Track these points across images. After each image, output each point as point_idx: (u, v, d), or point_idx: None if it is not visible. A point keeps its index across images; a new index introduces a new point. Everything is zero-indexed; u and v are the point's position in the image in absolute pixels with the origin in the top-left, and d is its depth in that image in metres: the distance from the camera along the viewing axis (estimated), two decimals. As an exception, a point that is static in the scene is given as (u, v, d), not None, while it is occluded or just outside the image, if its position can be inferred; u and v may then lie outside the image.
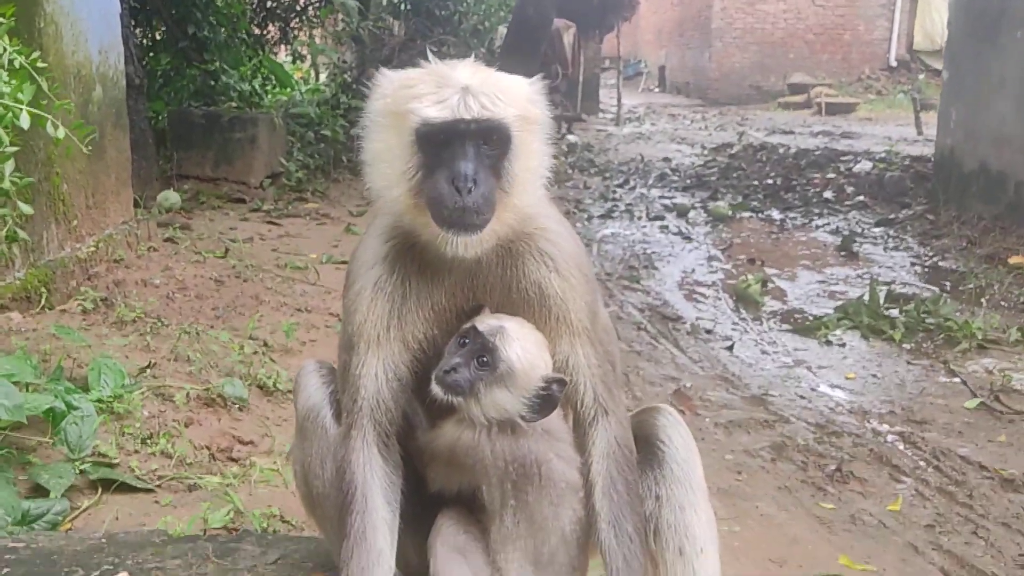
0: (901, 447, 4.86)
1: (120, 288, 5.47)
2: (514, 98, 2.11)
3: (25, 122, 3.54)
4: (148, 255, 6.15)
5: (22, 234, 3.85)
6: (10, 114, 3.62)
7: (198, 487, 3.51)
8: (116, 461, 3.52)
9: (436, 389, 2.14)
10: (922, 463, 4.67)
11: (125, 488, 3.39)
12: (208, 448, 3.85)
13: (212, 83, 11.10)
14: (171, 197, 8.54)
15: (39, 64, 3.81)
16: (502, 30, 15.69)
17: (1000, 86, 9.40)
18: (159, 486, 3.48)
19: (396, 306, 2.23)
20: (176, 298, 5.61)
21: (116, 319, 4.96)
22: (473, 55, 2.48)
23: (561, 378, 2.19)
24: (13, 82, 3.72)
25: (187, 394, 4.14)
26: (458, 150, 2.04)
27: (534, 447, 2.21)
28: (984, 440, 4.94)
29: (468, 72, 2.10)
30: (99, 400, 3.77)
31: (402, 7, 15.10)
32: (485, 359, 2.13)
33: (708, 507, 2.45)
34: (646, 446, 2.44)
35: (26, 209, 3.78)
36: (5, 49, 3.76)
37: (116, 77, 6.21)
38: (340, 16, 14.97)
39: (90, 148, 5.66)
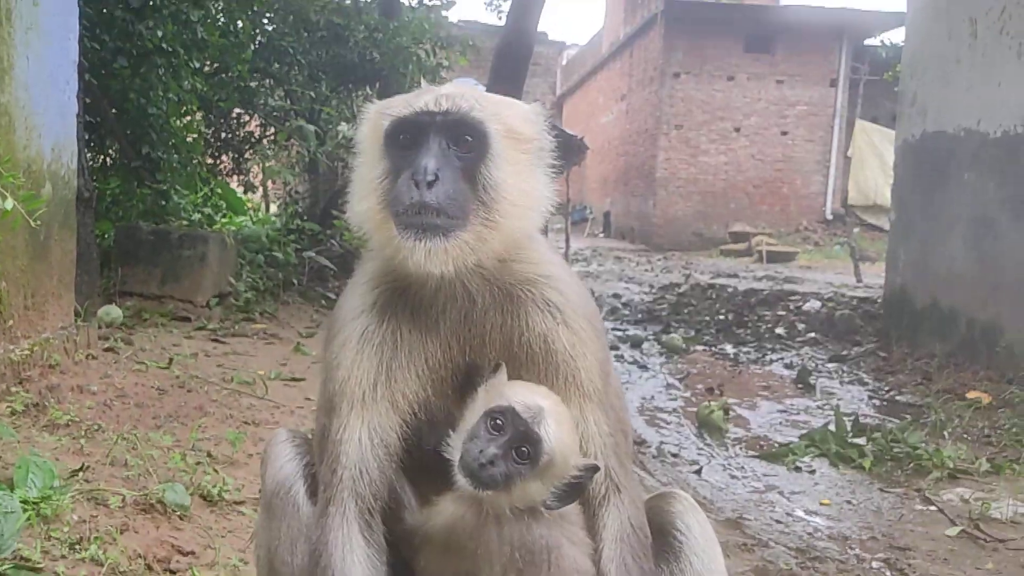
0: (888, 574, 4.60)
1: (54, 393, 5.07)
2: (499, 108, 1.95)
3: (-29, 191, 3.30)
4: (87, 362, 5.78)
5: (-44, 316, 3.53)
6: (-46, 186, 3.38)
7: (133, 597, 3.10)
8: (41, 565, 3.11)
9: (464, 481, 1.87)
10: (912, 590, 4.41)
11: (50, 596, 2.98)
12: (143, 557, 3.44)
13: (163, 203, 10.89)
14: (112, 312, 8.15)
15: (-7, 139, 3.61)
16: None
17: (950, 226, 9.62)
18: (90, 595, 3.07)
19: (385, 360, 1.98)
20: (114, 405, 5.21)
21: (48, 422, 4.56)
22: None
23: (595, 465, 1.94)
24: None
25: (123, 499, 3.74)
26: (423, 147, 1.86)
27: (545, 532, 1.93)
28: (972, 568, 4.71)
29: (453, 86, 1.97)
30: (25, 500, 3.37)
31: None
32: (526, 450, 1.87)
33: (731, 605, 2.17)
34: (660, 536, 2.17)
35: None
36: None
37: (68, 176, 5.98)
38: (295, 147, 15.08)
39: (34, 246, 5.42)
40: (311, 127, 12.00)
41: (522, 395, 1.92)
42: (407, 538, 2.02)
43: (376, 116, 1.99)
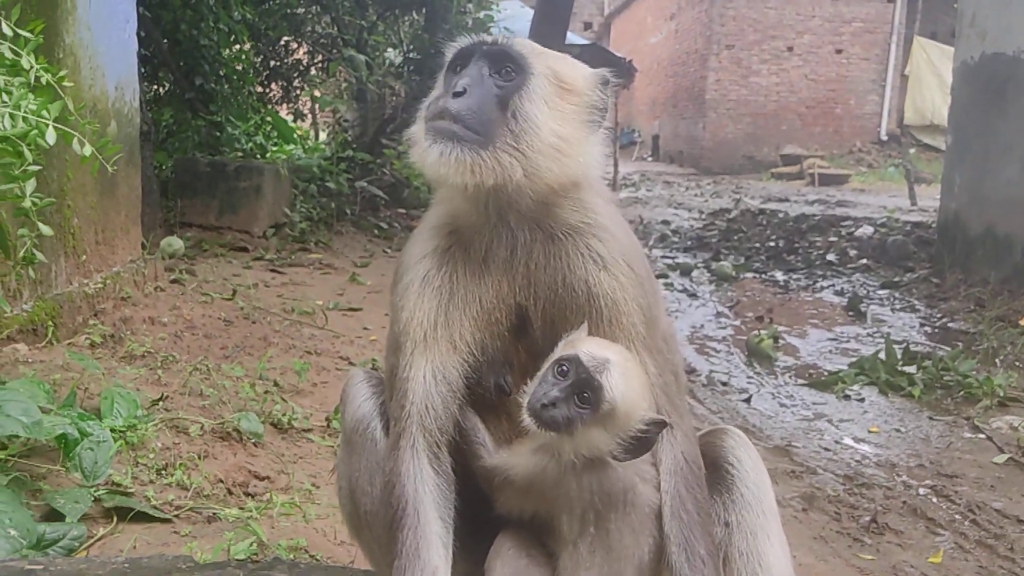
0: (934, 500, 4.71)
1: (128, 325, 5.31)
2: (550, 56, 2.07)
3: (51, 138, 3.43)
4: (155, 294, 6.01)
5: (40, 256, 3.71)
6: (35, 131, 3.52)
7: (217, 518, 3.32)
8: (131, 490, 3.34)
9: (529, 421, 1.96)
10: (958, 516, 4.51)
11: (141, 518, 3.20)
12: (223, 482, 3.66)
13: (217, 134, 11.07)
14: (175, 243, 8.41)
15: (65, 83, 3.73)
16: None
17: (1007, 150, 9.45)
18: (177, 516, 3.29)
19: (443, 303, 2.09)
20: (184, 336, 5.45)
21: (125, 353, 4.80)
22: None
23: (662, 420, 2.01)
24: (39, 99, 3.62)
25: (202, 427, 3.97)
26: (467, 70, 1.99)
27: (620, 474, 2.04)
28: (1018, 495, 4.79)
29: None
30: (112, 429, 3.59)
31: (404, 68, 15.23)
32: (587, 395, 1.94)
33: (781, 534, 2.29)
34: (713, 469, 2.27)
35: (46, 230, 3.66)
36: (32, 66, 3.67)
37: (131, 114, 6.14)
38: (343, 75, 15.10)
39: (102, 183, 5.60)
40: (361, 56, 12.00)
41: (591, 347, 2.01)
42: (486, 475, 2.14)
43: (447, 51, 2.11)
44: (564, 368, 2.01)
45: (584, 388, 1.98)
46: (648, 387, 2.08)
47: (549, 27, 12.64)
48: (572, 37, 18.99)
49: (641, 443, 2.01)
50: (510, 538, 2.17)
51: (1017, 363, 7.28)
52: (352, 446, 2.28)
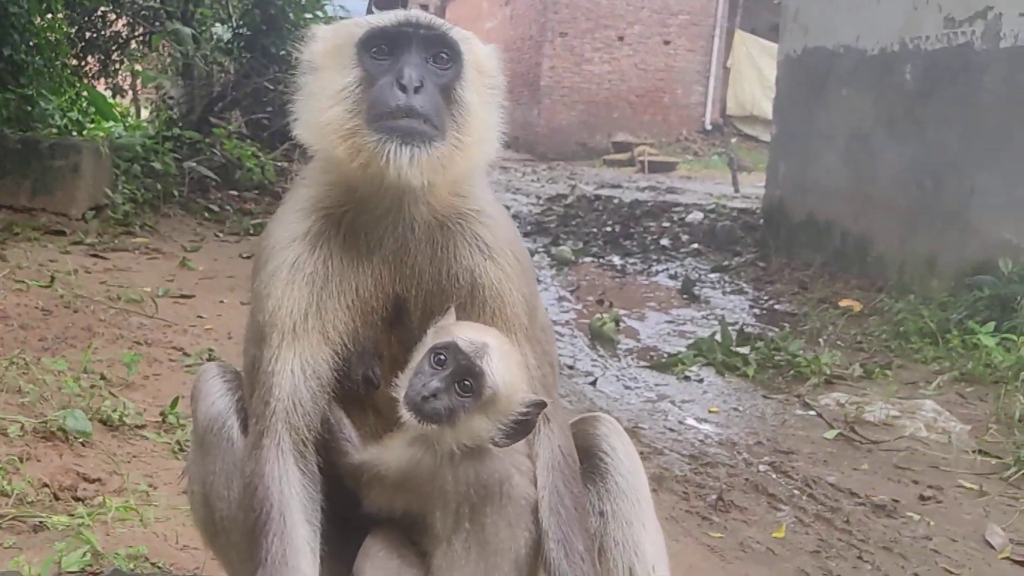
0: (774, 476, 4.88)
1: (-70, 316, 4.82)
2: (468, 39, 1.98)
3: None
4: (-38, 282, 5.48)
5: None
6: None
7: (45, 527, 3.03)
8: (-57, 499, 3.00)
9: (409, 415, 1.87)
10: (796, 491, 4.69)
11: (-44, 530, 2.89)
12: (48, 486, 3.36)
13: (28, 109, 10.25)
14: (-19, 225, 7.75)
15: None
16: (339, 72, 15.42)
17: (828, 141, 9.98)
18: (-1, 527, 2.98)
19: (316, 290, 1.96)
20: (-3, 327, 5.00)
21: (-72, 347, 4.35)
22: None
23: (542, 401, 1.95)
24: None
25: (22, 427, 3.63)
26: (404, 56, 1.87)
27: (497, 465, 1.97)
28: (849, 468, 5.04)
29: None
30: (-83, 433, 3.23)
31: (233, 44, 14.63)
32: (468, 383, 1.87)
33: (656, 522, 2.28)
34: (586, 458, 2.24)
35: None
36: None
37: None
38: (167, 50, 14.34)
39: None
40: (187, 29, 11.40)
41: (466, 332, 1.93)
42: (353, 473, 2.02)
43: (342, 29, 1.97)
44: (441, 357, 1.92)
45: (465, 376, 1.90)
46: (524, 367, 2.02)
47: (388, 6, 12.38)
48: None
49: (521, 426, 1.96)
50: (380, 539, 2.06)
51: (839, 342, 7.69)
52: (206, 447, 2.11)
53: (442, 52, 1.91)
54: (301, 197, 2.04)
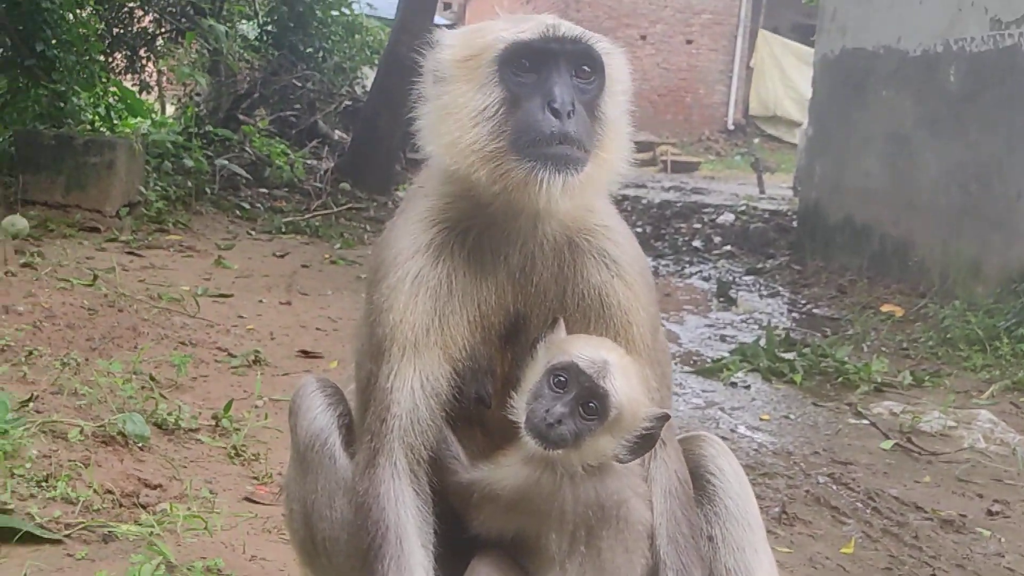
0: (834, 488, 4.76)
1: (-22, 315, 4.77)
2: (610, 52, 1.87)
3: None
4: (7, 279, 5.44)
5: None
6: None
7: (115, 537, 2.95)
8: (10, 506, 2.92)
9: (533, 442, 1.79)
10: (859, 504, 4.57)
11: (28, 539, 2.80)
12: (112, 492, 3.28)
13: (61, 105, 10.23)
14: (18, 222, 7.69)
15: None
16: (366, 70, 15.37)
17: (866, 142, 9.83)
18: (68, 536, 2.90)
19: (439, 305, 1.87)
20: (45, 327, 4.94)
21: (-20, 348, 4.28)
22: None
23: (666, 414, 1.87)
24: None
25: (81, 431, 3.56)
26: (552, 75, 1.76)
27: (617, 486, 1.88)
28: (910, 481, 4.92)
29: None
30: (-20, 437, 3.15)
31: (261, 41, 14.59)
32: (593, 405, 1.79)
33: (768, 547, 2.19)
34: (694, 479, 2.15)
35: None
36: None
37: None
38: (195, 47, 14.28)
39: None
40: (221, 26, 11.35)
41: (585, 350, 1.84)
42: (460, 492, 1.93)
43: (477, 39, 1.85)
44: (562, 378, 1.83)
45: (589, 398, 1.81)
46: (644, 380, 1.93)
47: (419, 4, 12.31)
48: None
49: (645, 440, 1.88)
50: (487, 563, 1.97)
51: (883, 348, 7.57)
52: (306, 464, 2.02)
53: (585, 65, 1.82)
54: (421, 208, 1.95)
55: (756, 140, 26.44)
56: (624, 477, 1.91)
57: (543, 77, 1.77)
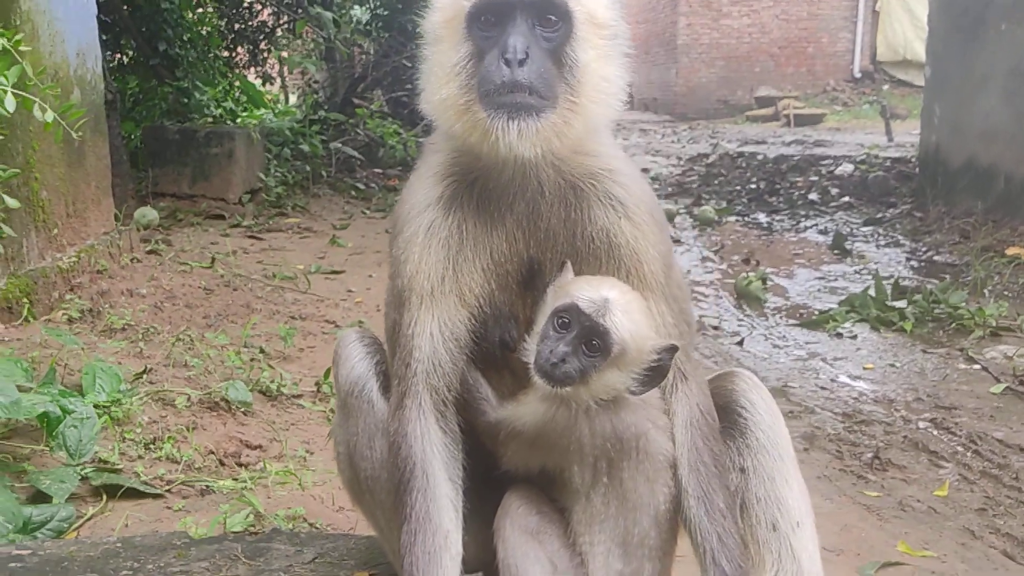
0: (935, 433, 4.67)
1: (105, 298, 5.18)
2: None
3: (10, 104, 3.27)
4: (132, 266, 5.85)
5: (8, 230, 3.57)
6: (-7, 98, 3.34)
7: (211, 491, 3.23)
8: (119, 466, 3.23)
9: (541, 381, 1.88)
10: (960, 448, 4.48)
11: (132, 494, 3.10)
12: (214, 453, 3.57)
13: (185, 101, 10.81)
14: (148, 214, 8.22)
15: (22, 48, 3.55)
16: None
17: (986, 80, 9.35)
18: (168, 491, 3.19)
19: (452, 254, 1.98)
20: (165, 307, 5.32)
21: (104, 327, 4.68)
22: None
23: (673, 345, 1.92)
24: (-5, 65, 3.45)
25: (188, 398, 3.86)
26: (508, 27, 1.83)
27: (632, 419, 1.96)
28: (1018, 424, 4.77)
29: None
30: (96, 405, 3.48)
31: (372, 25, 14.94)
32: (596, 343, 1.86)
33: (799, 476, 2.22)
34: (725, 414, 2.19)
35: (12, 203, 3.51)
36: (-15, 30, 3.49)
37: (94, 81, 5.93)
38: (310, 35, 14.78)
39: (69, 153, 5.41)
40: (328, 13, 11.72)
41: (585, 290, 1.91)
42: (489, 431, 2.05)
43: (453, 1, 1.95)
44: (565, 319, 1.91)
45: (591, 336, 1.89)
46: (648, 313, 1.99)
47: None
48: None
49: (655, 372, 1.93)
50: (519, 495, 2.08)
51: (1006, 292, 7.27)
52: (348, 409, 2.18)
53: (549, 15, 1.86)
54: (431, 163, 2.06)
55: (885, 87, 25.34)
56: (641, 410, 1.98)
57: (502, 30, 1.84)
